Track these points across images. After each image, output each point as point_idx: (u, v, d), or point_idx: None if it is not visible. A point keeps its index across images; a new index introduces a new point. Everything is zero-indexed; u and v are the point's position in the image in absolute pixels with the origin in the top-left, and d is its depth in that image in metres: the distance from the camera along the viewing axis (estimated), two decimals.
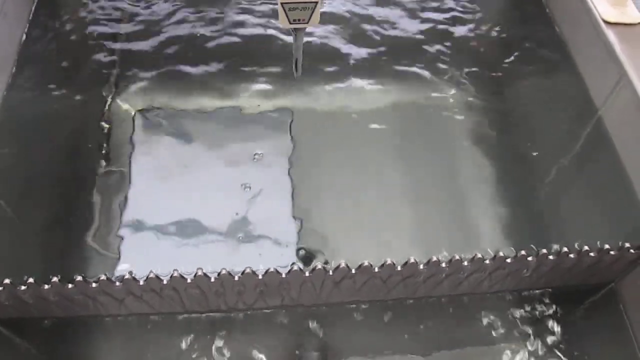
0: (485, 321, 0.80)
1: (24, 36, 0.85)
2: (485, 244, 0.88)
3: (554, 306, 0.81)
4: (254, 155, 1.01)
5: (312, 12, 0.76)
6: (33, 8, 0.88)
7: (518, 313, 0.81)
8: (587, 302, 0.81)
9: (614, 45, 0.78)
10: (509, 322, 0.80)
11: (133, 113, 0.99)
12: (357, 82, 1.04)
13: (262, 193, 0.97)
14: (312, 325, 0.78)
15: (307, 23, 0.77)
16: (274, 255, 0.92)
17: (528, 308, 0.81)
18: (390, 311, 0.81)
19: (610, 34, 0.79)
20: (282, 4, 0.75)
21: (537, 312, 0.81)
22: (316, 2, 0.75)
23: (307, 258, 0.92)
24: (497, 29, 1.03)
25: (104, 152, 0.94)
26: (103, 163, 0.94)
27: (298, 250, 0.92)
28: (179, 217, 0.94)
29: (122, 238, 0.91)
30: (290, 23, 0.77)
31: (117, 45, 1.01)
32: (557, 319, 0.80)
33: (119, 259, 0.88)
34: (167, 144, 1.00)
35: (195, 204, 0.95)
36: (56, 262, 0.84)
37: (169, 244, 0.92)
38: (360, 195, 0.95)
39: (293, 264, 0.65)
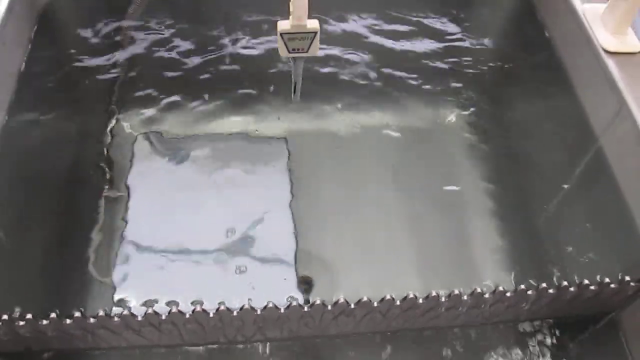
0: (484, 350, 0.80)
1: (23, 64, 0.85)
2: (485, 269, 0.88)
3: (553, 335, 0.81)
4: (254, 179, 1.01)
5: (312, 41, 0.76)
6: (32, 35, 0.87)
7: (518, 342, 0.81)
8: (587, 331, 0.81)
9: (614, 75, 0.78)
10: (508, 350, 0.80)
11: (133, 137, 1.00)
12: (356, 106, 1.05)
13: (261, 217, 0.98)
14: (312, 355, 0.78)
15: (307, 52, 0.78)
16: (273, 282, 0.92)
17: (528, 337, 0.81)
18: (390, 340, 0.81)
19: (610, 63, 0.79)
20: (281, 34, 0.75)
21: (536, 341, 0.81)
22: (315, 32, 0.75)
23: (306, 285, 0.92)
24: (497, 53, 1.03)
25: (103, 176, 0.95)
26: (103, 188, 0.94)
27: (297, 277, 0.92)
28: (178, 242, 0.95)
29: (121, 263, 0.91)
30: (290, 52, 0.77)
31: (118, 70, 1.02)
32: (557, 347, 0.80)
33: (118, 284, 0.88)
34: (166, 168, 1.00)
35: (194, 228, 0.96)
36: (55, 288, 0.84)
37: (168, 268, 0.93)
38: (360, 220, 0.96)
39: (290, 299, 0.65)
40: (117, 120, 0.99)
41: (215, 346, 0.76)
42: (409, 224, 0.94)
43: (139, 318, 0.67)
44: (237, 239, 0.95)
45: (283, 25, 0.74)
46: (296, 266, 0.92)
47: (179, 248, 0.94)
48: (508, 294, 0.70)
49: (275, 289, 0.92)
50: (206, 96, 1.03)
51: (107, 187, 0.94)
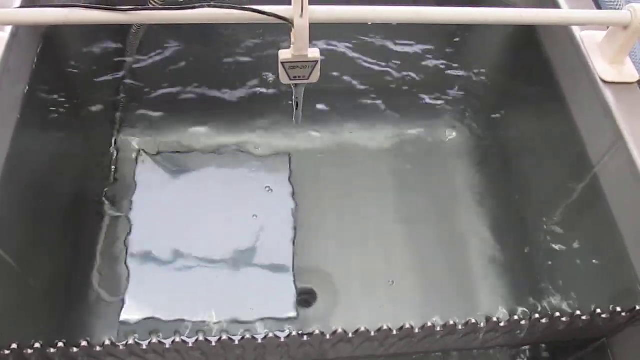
0: None
1: (27, 86, 0.86)
2: (482, 290, 0.90)
3: (546, 358, 0.83)
4: (256, 194, 1.03)
5: (313, 69, 0.77)
6: (36, 57, 0.88)
7: None
8: (578, 354, 0.83)
9: (611, 106, 0.78)
10: None
11: (137, 154, 1.01)
12: (357, 123, 1.06)
13: (263, 231, 1.00)
14: None
15: (308, 79, 0.79)
16: (274, 294, 0.95)
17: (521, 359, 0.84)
18: None
19: (608, 93, 0.79)
20: (282, 63, 0.76)
21: None
22: (317, 61, 0.76)
23: (307, 297, 0.94)
24: (497, 76, 1.04)
25: (108, 194, 0.96)
26: (107, 204, 0.96)
27: (297, 289, 0.94)
28: (182, 256, 0.97)
29: (126, 278, 0.93)
30: (291, 80, 0.78)
31: (121, 89, 1.03)
32: None
33: (124, 301, 0.91)
34: (170, 184, 1.02)
35: (198, 243, 0.98)
36: (63, 308, 0.87)
37: (172, 282, 0.95)
38: (360, 234, 0.98)
39: (291, 332, 0.67)
40: (121, 138, 1.01)
41: None
42: (408, 239, 0.96)
43: (144, 347, 0.69)
44: (240, 253, 0.98)
45: (284, 54, 0.75)
46: (296, 279, 0.94)
47: (183, 262, 0.96)
48: (502, 324, 0.72)
49: (276, 301, 0.94)
50: (209, 113, 1.05)
51: (111, 204, 0.95)
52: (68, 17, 0.69)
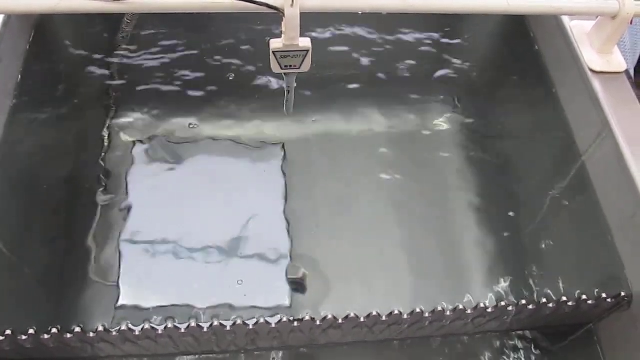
0: (466, 358, 0.84)
1: (20, 76, 0.86)
2: (472, 277, 0.91)
3: (534, 344, 0.85)
4: (249, 184, 1.03)
5: (304, 59, 0.78)
6: (28, 46, 0.89)
7: (499, 351, 0.84)
8: (566, 340, 0.85)
9: (599, 95, 0.79)
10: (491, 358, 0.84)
11: (130, 144, 1.01)
12: (350, 111, 1.06)
13: (257, 220, 1.00)
14: None
15: (299, 69, 0.79)
16: (267, 282, 0.95)
17: (509, 346, 0.85)
18: (377, 348, 0.85)
19: (596, 83, 0.80)
20: (273, 52, 0.76)
21: (517, 350, 0.85)
22: (308, 50, 0.76)
23: (299, 286, 0.95)
24: (488, 65, 1.04)
25: (101, 184, 0.97)
26: (101, 194, 0.96)
27: (290, 278, 0.95)
28: (175, 245, 0.97)
29: (121, 266, 0.94)
30: (282, 69, 0.79)
31: (113, 78, 1.03)
32: (537, 356, 0.84)
33: (118, 288, 0.91)
34: (163, 173, 1.02)
35: (191, 231, 0.98)
36: (58, 295, 0.87)
37: (165, 271, 0.95)
38: (353, 223, 0.98)
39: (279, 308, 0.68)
40: (114, 127, 1.01)
41: (210, 355, 0.80)
42: (400, 226, 0.97)
43: (137, 332, 0.70)
44: (233, 241, 0.98)
45: (275, 43, 0.75)
46: (289, 267, 0.95)
47: (176, 249, 0.97)
48: (489, 310, 0.73)
49: (269, 289, 0.95)
50: (201, 103, 1.05)
51: (105, 193, 0.96)
52: (58, 5, 0.70)
